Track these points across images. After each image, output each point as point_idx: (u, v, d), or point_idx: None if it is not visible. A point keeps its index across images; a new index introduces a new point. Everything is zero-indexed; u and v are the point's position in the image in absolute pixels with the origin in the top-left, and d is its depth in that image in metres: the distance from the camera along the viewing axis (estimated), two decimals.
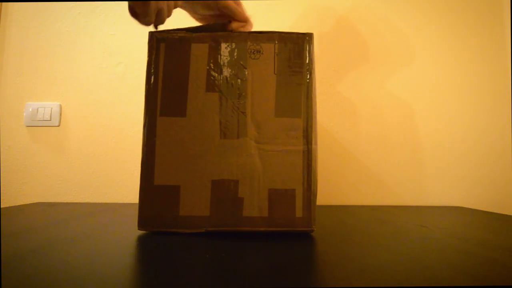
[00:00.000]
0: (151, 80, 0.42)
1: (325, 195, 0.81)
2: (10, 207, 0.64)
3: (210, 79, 0.41)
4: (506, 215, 0.61)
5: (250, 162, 0.40)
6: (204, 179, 0.40)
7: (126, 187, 0.81)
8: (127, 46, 0.85)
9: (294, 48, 0.42)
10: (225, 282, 0.24)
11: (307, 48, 0.42)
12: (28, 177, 0.82)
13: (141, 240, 0.37)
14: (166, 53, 0.42)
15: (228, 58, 0.42)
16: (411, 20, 0.87)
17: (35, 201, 0.80)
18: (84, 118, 0.83)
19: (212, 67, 0.42)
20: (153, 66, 0.42)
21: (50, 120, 0.83)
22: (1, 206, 0.75)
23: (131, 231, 0.41)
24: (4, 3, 0.86)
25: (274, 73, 0.42)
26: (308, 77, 0.42)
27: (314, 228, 0.40)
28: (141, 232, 0.41)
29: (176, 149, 0.40)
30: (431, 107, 0.85)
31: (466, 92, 0.86)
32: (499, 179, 0.84)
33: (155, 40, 0.42)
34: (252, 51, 0.42)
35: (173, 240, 0.37)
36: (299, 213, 0.39)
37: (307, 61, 0.42)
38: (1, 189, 0.81)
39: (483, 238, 0.40)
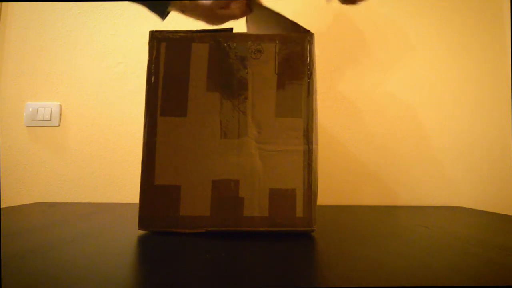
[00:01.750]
0: (151, 80, 0.42)
1: (325, 195, 0.81)
2: (10, 207, 0.64)
3: (211, 78, 0.41)
4: (506, 215, 0.61)
5: (250, 162, 0.40)
6: (205, 179, 0.40)
7: (126, 187, 0.81)
8: (127, 46, 0.85)
9: (295, 48, 0.42)
10: (225, 282, 0.24)
11: (308, 48, 0.42)
12: (28, 177, 0.82)
13: (141, 240, 0.37)
14: (166, 53, 0.42)
15: (229, 58, 0.42)
16: (411, 19, 0.87)
17: (35, 201, 0.80)
18: (84, 118, 0.83)
19: (213, 67, 0.42)
20: (153, 65, 0.42)
21: (50, 120, 0.83)
22: (1, 206, 0.75)
23: (131, 231, 0.41)
24: (4, 3, 0.86)
25: (275, 73, 0.42)
26: (308, 77, 0.42)
27: (315, 228, 0.40)
28: (141, 232, 0.41)
29: (177, 149, 0.40)
30: (431, 107, 0.85)
31: (466, 92, 0.86)
32: (499, 179, 0.84)
33: (155, 40, 0.42)
34: (253, 50, 0.42)
35: (174, 240, 0.37)
36: (299, 213, 0.39)
37: (308, 61, 0.42)
38: (1, 189, 0.80)
39: (483, 238, 0.40)
